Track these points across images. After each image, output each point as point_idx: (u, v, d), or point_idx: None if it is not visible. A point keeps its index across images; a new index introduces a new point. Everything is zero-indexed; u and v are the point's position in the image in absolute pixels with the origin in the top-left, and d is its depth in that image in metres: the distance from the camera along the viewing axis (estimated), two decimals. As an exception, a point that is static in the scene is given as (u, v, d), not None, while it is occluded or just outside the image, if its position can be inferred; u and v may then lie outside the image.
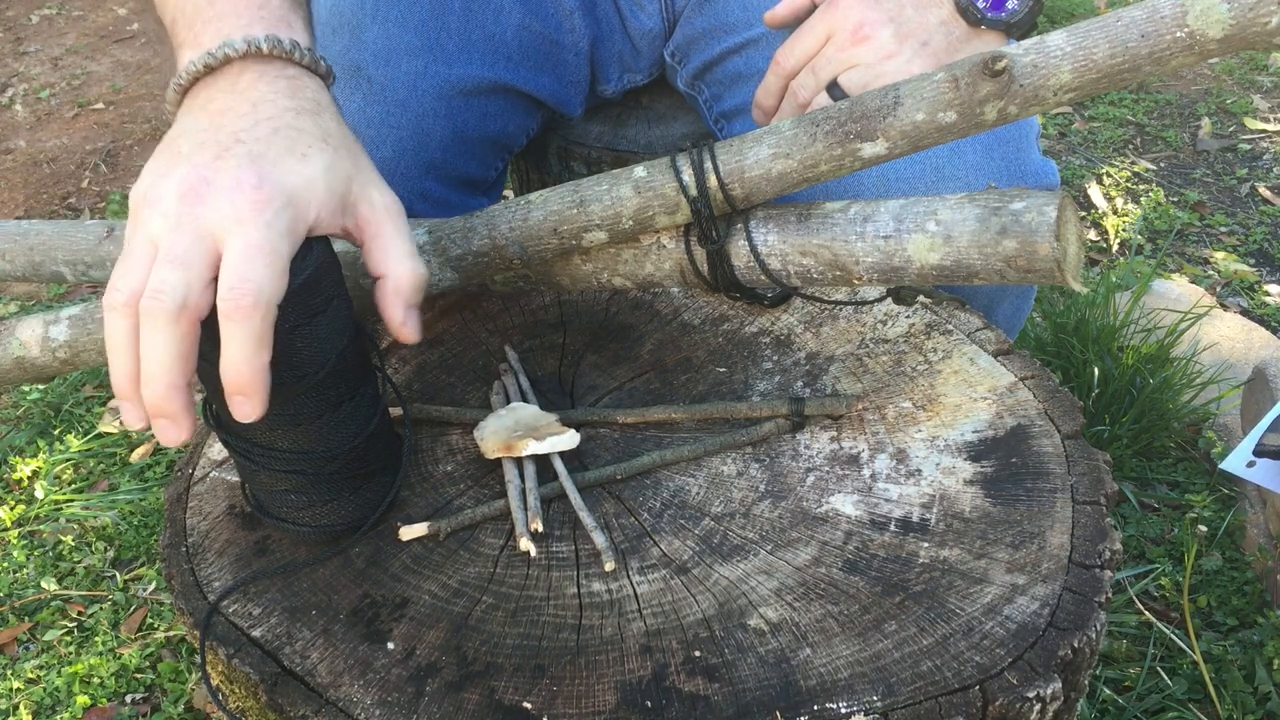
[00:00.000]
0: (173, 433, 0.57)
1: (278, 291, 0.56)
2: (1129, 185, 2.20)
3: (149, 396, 0.56)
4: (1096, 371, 1.52)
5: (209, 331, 0.57)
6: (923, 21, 0.82)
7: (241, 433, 0.63)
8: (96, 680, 1.30)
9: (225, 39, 0.62)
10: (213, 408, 0.64)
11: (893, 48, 0.81)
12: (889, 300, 0.80)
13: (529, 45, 1.01)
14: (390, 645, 0.60)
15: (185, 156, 0.58)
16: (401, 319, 0.63)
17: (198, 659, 0.61)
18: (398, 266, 0.62)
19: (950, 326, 0.79)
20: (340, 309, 0.62)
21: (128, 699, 1.29)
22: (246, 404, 0.57)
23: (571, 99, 1.08)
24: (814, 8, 0.89)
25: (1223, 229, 2.06)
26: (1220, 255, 1.97)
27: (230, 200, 0.56)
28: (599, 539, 0.65)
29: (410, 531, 0.67)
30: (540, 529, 0.66)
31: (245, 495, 0.69)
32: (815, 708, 0.55)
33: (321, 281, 0.60)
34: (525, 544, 0.65)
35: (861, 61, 0.82)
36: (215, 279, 0.56)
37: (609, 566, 0.64)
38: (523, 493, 0.68)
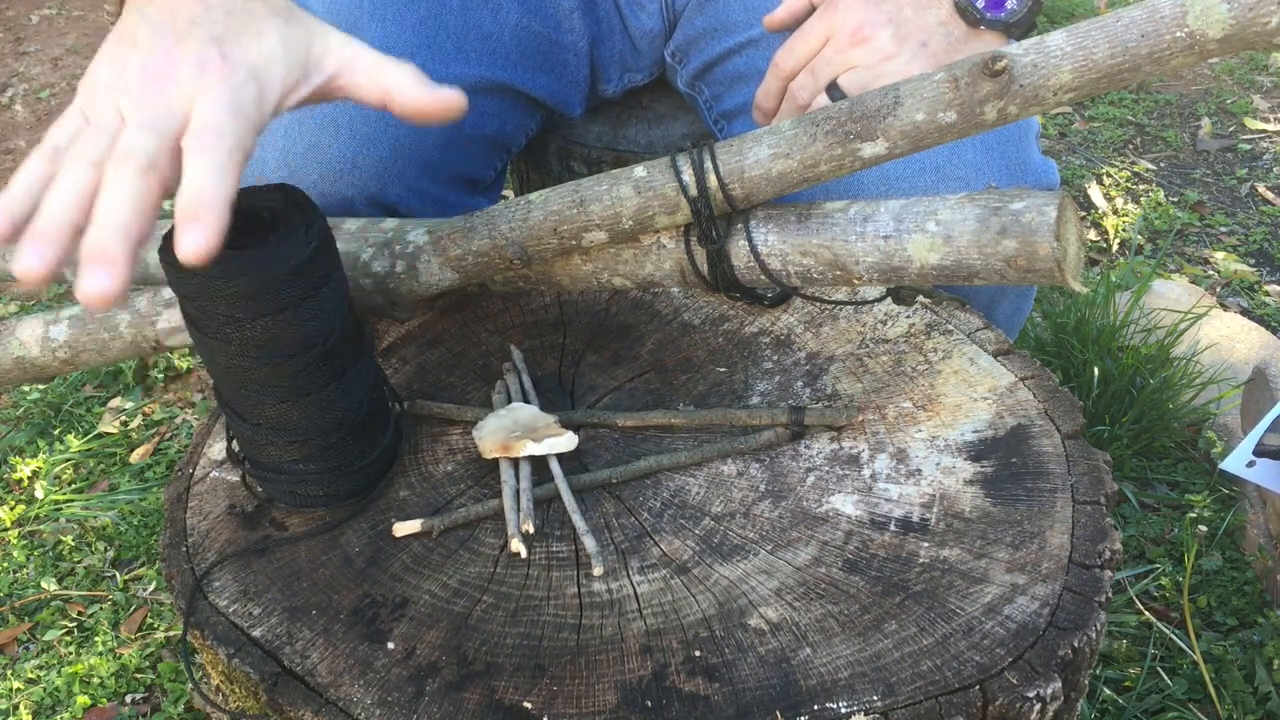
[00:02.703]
0: (104, 279, 0.52)
1: (244, 142, 0.56)
2: (1129, 185, 2.20)
3: (94, 237, 0.53)
4: (1096, 371, 1.52)
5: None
6: (922, 22, 0.82)
7: (253, 412, 0.65)
8: (96, 680, 1.30)
9: None
10: (222, 392, 0.66)
11: (892, 49, 0.81)
12: (889, 300, 0.80)
13: (527, 45, 1.01)
14: (390, 645, 0.60)
15: (144, 44, 0.59)
16: (433, 94, 0.63)
17: (196, 659, 0.61)
18: (394, 69, 0.63)
19: (950, 326, 0.79)
20: (340, 280, 0.65)
21: (128, 699, 1.29)
22: (198, 230, 0.52)
23: (571, 99, 1.08)
24: (813, 10, 0.89)
25: (1223, 229, 2.06)
26: (1220, 255, 1.97)
27: (195, 78, 0.57)
28: (589, 543, 0.64)
29: (404, 528, 0.67)
30: (531, 530, 0.66)
31: (248, 484, 0.71)
32: (815, 708, 0.55)
33: (323, 255, 0.63)
34: (515, 545, 0.65)
35: (860, 63, 0.82)
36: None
37: (597, 572, 0.63)
38: (516, 494, 0.68)
